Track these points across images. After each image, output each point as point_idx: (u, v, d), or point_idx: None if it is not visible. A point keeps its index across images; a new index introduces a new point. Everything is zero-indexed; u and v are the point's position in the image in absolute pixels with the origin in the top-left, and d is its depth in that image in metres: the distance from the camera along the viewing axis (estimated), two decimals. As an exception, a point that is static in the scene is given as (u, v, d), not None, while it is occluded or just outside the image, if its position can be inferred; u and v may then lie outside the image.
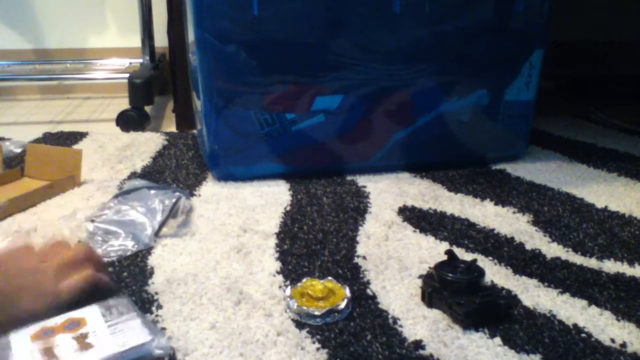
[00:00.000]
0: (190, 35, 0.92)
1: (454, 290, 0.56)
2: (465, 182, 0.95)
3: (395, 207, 0.84)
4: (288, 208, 0.83)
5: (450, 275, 0.57)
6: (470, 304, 0.55)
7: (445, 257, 0.60)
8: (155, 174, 0.96)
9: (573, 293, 0.62)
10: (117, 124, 1.25)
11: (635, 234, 0.77)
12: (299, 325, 0.55)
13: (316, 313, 0.55)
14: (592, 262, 0.69)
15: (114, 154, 1.07)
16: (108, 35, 1.67)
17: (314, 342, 0.52)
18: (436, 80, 0.94)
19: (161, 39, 1.48)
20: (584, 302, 0.60)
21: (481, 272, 0.58)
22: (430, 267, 0.58)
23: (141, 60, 1.51)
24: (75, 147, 1.10)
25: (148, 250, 0.70)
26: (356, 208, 0.83)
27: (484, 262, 0.68)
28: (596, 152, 1.12)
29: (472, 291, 0.56)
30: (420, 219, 0.80)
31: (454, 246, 0.72)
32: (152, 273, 0.64)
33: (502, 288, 0.62)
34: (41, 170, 0.92)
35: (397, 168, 0.99)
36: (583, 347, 0.52)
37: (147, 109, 1.32)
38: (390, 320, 0.56)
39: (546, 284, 0.63)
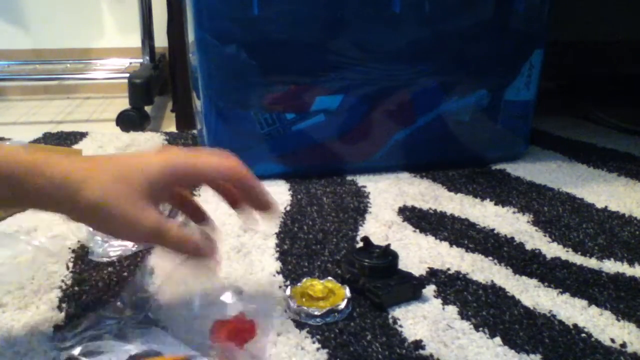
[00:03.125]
0: (190, 35, 0.92)
1: (371, 275, 0.60)
2: (465, 182, 0.95)
3: (395, 207, 0.84)
4: (288, 208, 0.83)
5: (366, 260, 0.60)
6: (387, 287, 0.58)
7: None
8: (155, 174, 0.96)
9: (573, 293, 0.62)
10: (117, 124, 1.25)
11: (635, 234, 0.77)
12: (299, 325, 0.55)
13: (316, 313, 0.55)
14: (592, 262, 0.69)
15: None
16: (108, 35, 1.67)
17: (314, 342, 0.52)
18: (436, 80, 0.94)
19: (161, 39, 1.48)
20: (584, 302, 0.60)
21: (395, 256, 0.61)
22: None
23: (141, 60, 1.51)
24: (75, 147, 1.10)
25: (148, 250, 0.70)
26: (356, 208, 0.83)
27: (483, 262, 0.68)
28: (596, 152, 1.12)
29: (388, 274, 0.60)
30: (420, 219, 0.80)
31: (454, 246, 0.72)
32: (152, 273, 0.64)
33: (502, 287, 0.62)
34: (41, 170, 0.92)
35: (397, 168, 0.99)
36: (583, 347, 0.52)
37: (147, 109, 1.32)
38: (390, 320, 0.56)
39: (546, 284, 0.63)
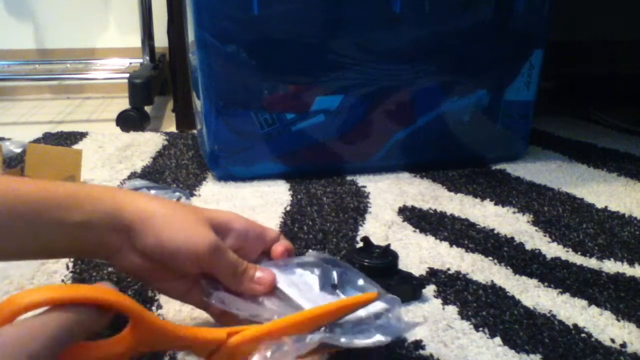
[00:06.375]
0: (190, 35, 0.92)
1: (370, 275, 0.58)
2: (465, 182, 0.95)
3: (395, 207, 0.84)
4: (288, 208, 0.83)
5: (366, 261, 0.60)
6: (386, 287, 0.57)
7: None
8: (155, 174, 0.96)
9: (573, 293, 0.62)
10: (117, 124, 1.25)
11: (635, 234, 0.77)
12: (299, 325, 0.55)
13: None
14: (592, 262, 0.69)
15: (114, 154, 1.07)
16: (108, 35, 1.67)
17: (314, 342, 0.52)
18: (436, 80, 0.94)
19: (161, 39, 1.48)
20: (584, 302, 0.60)
21: (395, 256, 0.61)
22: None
23: (141, 60, 1.51)
24: (75, 147, 1.10)
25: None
26: (356, 208, 0.83)
27: (484, 262, 0.68)
28: (596, 152, 1.12)
29: (388, 274, 0.60)
30: (420, 219, 0.80)
31: (454, 246, 0.72)
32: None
33: (502, 287, 0.62)
34: (41, 170, 0.92)
35: (397, 168, 0.99)
36: (583, 347, 0.52)
37: (147, 109, 1.32)
38: (390, 320, 0.56)
39: (546, 284, 0.63)
